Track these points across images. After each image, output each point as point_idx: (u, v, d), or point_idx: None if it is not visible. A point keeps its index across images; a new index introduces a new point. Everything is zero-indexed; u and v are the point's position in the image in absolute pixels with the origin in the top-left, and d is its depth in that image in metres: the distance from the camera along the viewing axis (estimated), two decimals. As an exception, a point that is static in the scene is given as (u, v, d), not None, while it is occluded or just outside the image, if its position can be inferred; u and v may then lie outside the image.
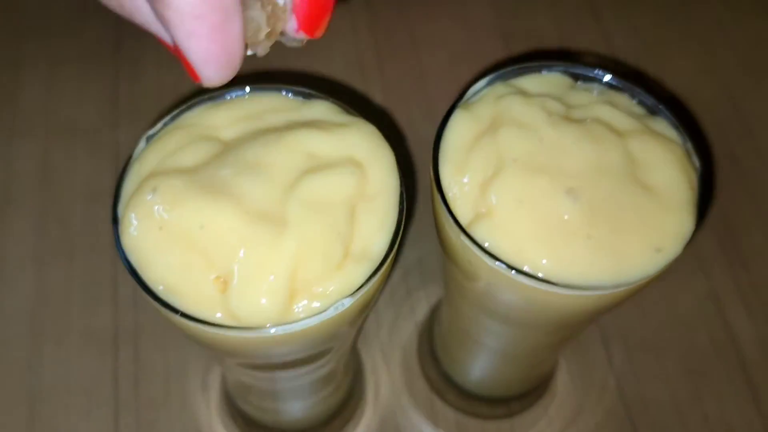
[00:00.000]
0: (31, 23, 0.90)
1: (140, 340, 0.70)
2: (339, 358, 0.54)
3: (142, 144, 0.44)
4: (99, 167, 0.80)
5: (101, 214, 0.77)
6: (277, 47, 0.38)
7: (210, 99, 0.46)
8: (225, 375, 0.66)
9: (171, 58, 0.93)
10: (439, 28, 0.92)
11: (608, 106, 0.46)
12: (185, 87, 0.85)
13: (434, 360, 0.68)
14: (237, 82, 0.83)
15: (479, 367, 0.63)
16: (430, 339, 0.68)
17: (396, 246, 0.41)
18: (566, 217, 0.41)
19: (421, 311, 0.72)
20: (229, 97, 0.46)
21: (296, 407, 0.63)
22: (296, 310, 0.39)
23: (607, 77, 0.48)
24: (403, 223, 0.42)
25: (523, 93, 0.47)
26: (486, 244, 0.42)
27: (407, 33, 0.91)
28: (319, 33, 0.31)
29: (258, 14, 0.34)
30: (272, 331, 0.38)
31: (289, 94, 0.47)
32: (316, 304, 0.39)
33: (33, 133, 0.82)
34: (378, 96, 0.86)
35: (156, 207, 0.39)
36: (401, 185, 0.43)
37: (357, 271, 0.40)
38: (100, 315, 0.71)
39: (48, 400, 0.67)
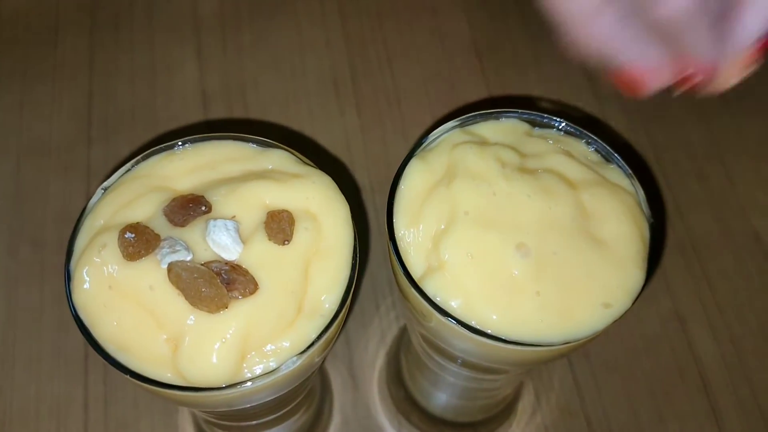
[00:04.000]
0: (5, 38, 0.89)
1: (110, 364, 0.70)
2: (303, 396, 0.55)
3: (97, 196, 0.44)
4: (71, 187, 0.80)
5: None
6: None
7: (166, 148, 0.46)
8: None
9: (144, 71, 0.92)
10: (414, 44, 0.91)
11: (563, 156, 0.46)
12: (158, 103, 0.85)
13: (401, 383, 0.69)
14: (195, 129, 0.82)
15: (443, 396, 0.64)
16: (398, 362, 0.69)
17: (348, 302, 0.42)
18: (516, 273, 0.42)
19: (391, 333, 0.73)
20: (185, 147, 0.46)
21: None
22: (247, 369, 0.39)
23: (564, 125, 0.49)
24: (355, 279, 0.42)
25: (480, 141, 0.47)
26: (437, 299, 0.42)
27: (382, 48, 0.91)
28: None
29: None
30: (221, 392, 0.38)
31: (247, 143, 0.47)
32: (267, 363, 0.39)
33: (6, 151, 0.82)
34: (352, 114, 0.86)
35: (105, 266, 0.39)
36: (355, 240, 0.43)
37: (308, 328, 0.40)
38: (71, 337, 0.71)
39: (18, 424, 0.67)
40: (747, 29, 0.34)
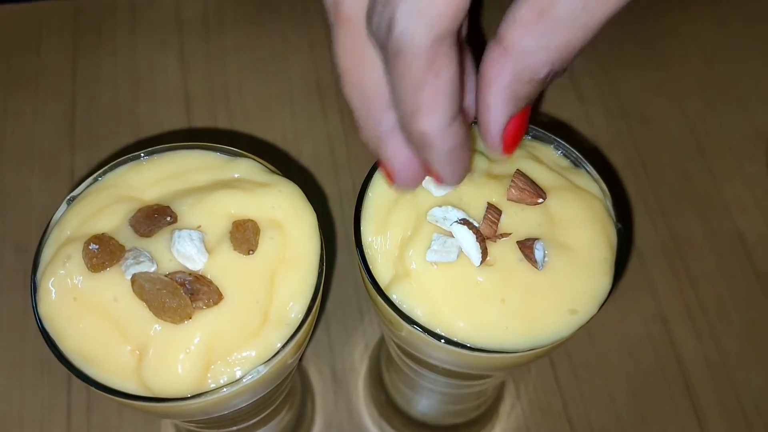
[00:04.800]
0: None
1: (92, 370, 0.70)
2: (283, 400, 0.55)
3: (63, 207, 0.44)
4: (55, 193, 0.80)
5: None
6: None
7: (133, 158, 0.46)
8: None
9: (127, 76, 0.92)
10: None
11: (531, 162, 0.46)
12: (141, 107, 0.85)
13: (382, 388, 0.69)
14: (178, 134, 0.82)
15: (423, 401, 0.64)
16: (378, 367, 0.69)
17: (314, 310, 0.42)
18: (480, 279, 0.42)
19: (373, 337, 0.73)
20: (152, 157, 0.46)
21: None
22: (211, 380, 0.39)
23: (532, 130, 0.49)
24: (321, 287, 0.42)
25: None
26: (404, 306, 0.42)
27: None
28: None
29: None
30: (185, 402, 0.38)
31: (215, 153, 0.47)
32: (233, 372, 0.40)
33: (-12, 157, 0.82)
34: (335, 117, 0.86)
35: (70, 278, 0.40)
36: (322, 248, 0.43)
37: (274, 337, 0.41)
38: (53, 344, 0.72)
39: (1, 430, 0.68)
40: (493, 122, 0.36)
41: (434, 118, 0.34)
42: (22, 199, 0.80)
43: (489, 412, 0.69)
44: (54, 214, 0.44)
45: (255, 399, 0.46)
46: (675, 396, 0.72)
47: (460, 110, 0.35)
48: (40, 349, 0.71)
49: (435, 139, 0.35)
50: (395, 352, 0.55)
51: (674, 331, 0.75)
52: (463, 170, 0.38)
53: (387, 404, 0.69)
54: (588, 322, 0.42)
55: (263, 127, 0.85)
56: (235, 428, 0.55)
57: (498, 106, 0.34)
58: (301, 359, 0.71)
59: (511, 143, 0.37)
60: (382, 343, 0.71)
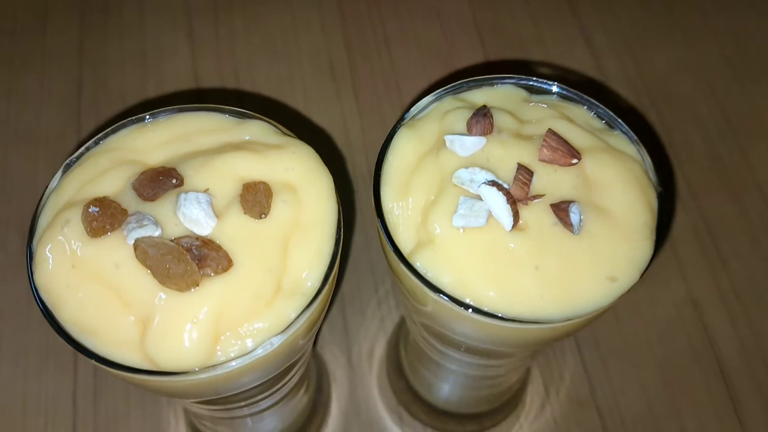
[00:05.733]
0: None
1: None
2: (296, 385, 0.52)
3: (60, 173, 0.41)
4: (60, 175, 0.77)
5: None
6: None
7: (137, 120, 0.43)
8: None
9: (134, 57, 0.89)
10: (412, 24, 0.88)
11: (564, 122, 0.43)
12: (149, 88, 0.83)
13: (401, 374, 0.66)
14: (173, 100, 0.79)
15: (445, 387, 0.60)
16: (397, 352, 0.66)
17: (331, 279, 0.39)
18: (512, 246, 0.39)
19: (391, 321, 0.70)
20: (157, 118, 0.43)
21: (258, 428, 0.61)
22: (221, 352, 0.36)
23: (562, 89, 0.45)
24: (339, 254, 0.39)
25: (473, 108, 0.44)
26: (428, 275, 0.39)
27: (379, 29, 0.88)
28: None
29: None
30: (194, 376, 0.35)
31: (223, 114, 0.44)
32: (244, 345, 0.36)
33: (-7, 139, 0.80)
34: (349, 98, 0.83)
35: (68, 243, 0.37)
36: (339, 212, 0.40)
37: (288, 307, 0.37)
38: (59, 330, 0.69)
39: (4, 420, 0.65)
40: None
41: None
42: (27, 183, 0.77)
43: (513, 400, 0.66)
44: (52, 179, 0.41)
45: (266, 379, 0.43)
46: (709, 383, 0.68)
47: None
48: (45, 336, 0.69)
49: None
50: (417, 330, 0.51)
51: (707, 315, 0.72)
52: None
53: (406, 391, 0.66)
54: (629, 291, 0.39)
55: (275, 109, 0.82)
56: (247, 412, 0.52)
57: None
58: (315, 343, 0.68)
59: None
60: (401, 327, 0.68)
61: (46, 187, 0.41)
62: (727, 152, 0.80)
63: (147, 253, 0.35)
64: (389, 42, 0.87)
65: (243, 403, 0.48)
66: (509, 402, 0.66)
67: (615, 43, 0.87)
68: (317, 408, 0.64)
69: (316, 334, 0.44)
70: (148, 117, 0.43)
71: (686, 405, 0.68)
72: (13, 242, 0.74)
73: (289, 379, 0.50)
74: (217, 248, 0.37)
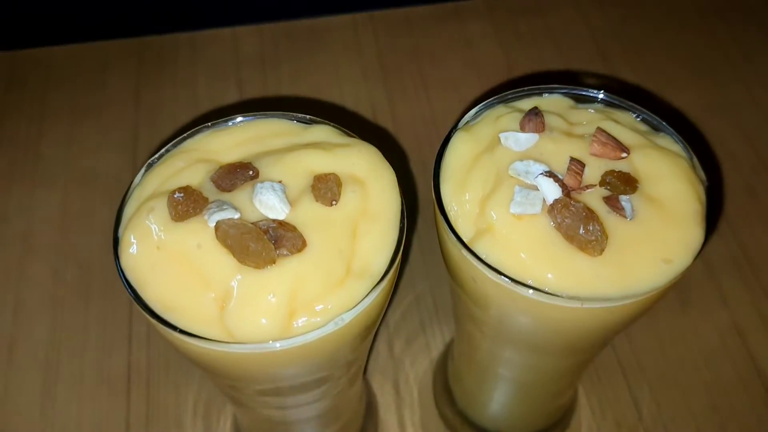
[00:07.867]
0: (56, 76, 0.93)
1: (152, 379, 0.69)
2: (346, 387, 0.53)
3: (142, 170, 0.45)
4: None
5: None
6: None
7: (212, 126, 0.46)
8: (236, 414, 0.65)
9: (188, 104, 0.94)
10: (450, 73, 0.93)
11: (611, 122, 0.46)
12: (201, 134, 0.87)
13: (449, 396, 0.66)
14: (240, 110, 0.84)
15: (495, 399, 0.61)
16: (444, 375, 0.67)
17: (396, 263, 0.41)
18: (568, 230, 0.41)
19: (436, 347, 0.71)
20: (230, 124, 0.47)
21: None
22: (296, 327, 0.38)
23: (608, 97, 0.48)
24: (403, 240, 0.42)
25: (524, 112, 0.47)
26: (489, 259, 0.41)
27: (418, 78, 0.92)
28: None
29: None
30: (272, 346, 0.37)
31: (291, 120, 0.47)
32: (316, 320, 0.38)
33: (54, 182, 0.84)
34: (390, 138, 0.87)
35: (153, 227, 0.39)
36: (402, 204, 0.43)
37: (358, 288, 0.39)
38: (114, 356, 0.71)
39: (59, 443, 0.66)
40: None
41: None
42: (85, 221, 0.81)
43: (560, 424, 0.66)
44: (135, 176, 0.44)
45: (329, 368, 0.45)
46: (758, 409, 0.68)
47: None
48: (100, 362, 0.71)
49: None
50: (469, 337, 0.53)
51: (751, 342, 0.72)
52: None
53: (454, 415, 0.66)
54: (683, 273, 0.40)
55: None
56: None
57: None
58: (365, 372, 0.69)
59: None
60: (447, 353, 0.69)
61: (131, 183, 0.44)
62: (761, 186, 0.82)
63: (228, 232, 0.38)
64: (428, 89, 0.91)
65: (297, 397, 0.49)
66: (557, 424, 0.66)
67: (643, 84, 0.91)
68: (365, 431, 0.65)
69: (373, 338, 0.46)
70: (222, 122, 0.46)
71: (735, 430, 0.67)
72: (70, 274, 0.77)
73: (343, 387, 0.51)
74: (293, 229, 0.39)
